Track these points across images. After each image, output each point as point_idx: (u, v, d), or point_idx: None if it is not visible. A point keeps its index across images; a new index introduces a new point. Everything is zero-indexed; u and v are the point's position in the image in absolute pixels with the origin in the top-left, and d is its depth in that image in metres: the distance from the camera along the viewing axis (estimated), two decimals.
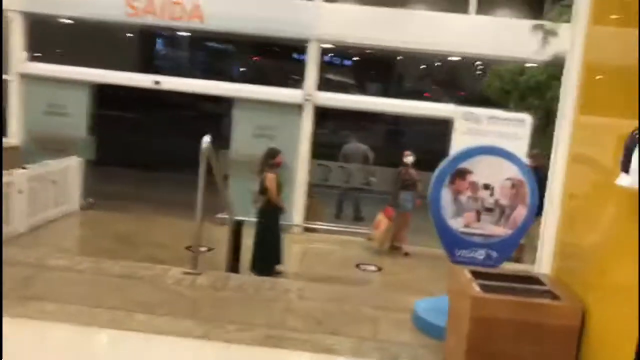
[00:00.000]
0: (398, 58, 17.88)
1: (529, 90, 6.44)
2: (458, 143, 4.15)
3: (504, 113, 5.21)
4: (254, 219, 8.22)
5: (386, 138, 17.66)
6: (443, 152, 14.01)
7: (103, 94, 11.98)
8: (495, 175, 4.00)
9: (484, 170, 4.00)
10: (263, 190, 8.07)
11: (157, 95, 11.79)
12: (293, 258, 9.37)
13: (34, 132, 11.38)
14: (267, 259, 8.08)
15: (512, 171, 4.00)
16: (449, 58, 12.25)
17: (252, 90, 11.48)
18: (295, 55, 20.69)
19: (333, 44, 11.96)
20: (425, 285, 8.36)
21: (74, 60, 11.86)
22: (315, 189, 11.73)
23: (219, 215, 9.52)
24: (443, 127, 11.42)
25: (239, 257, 7.38)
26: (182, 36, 18.46)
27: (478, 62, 11.69)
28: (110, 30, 14.26)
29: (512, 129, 4.63)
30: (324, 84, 11.55)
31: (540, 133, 5.15)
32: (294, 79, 19.51)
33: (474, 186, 4.00)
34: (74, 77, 11.33)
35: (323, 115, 14.01)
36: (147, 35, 19.30)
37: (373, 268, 9.16)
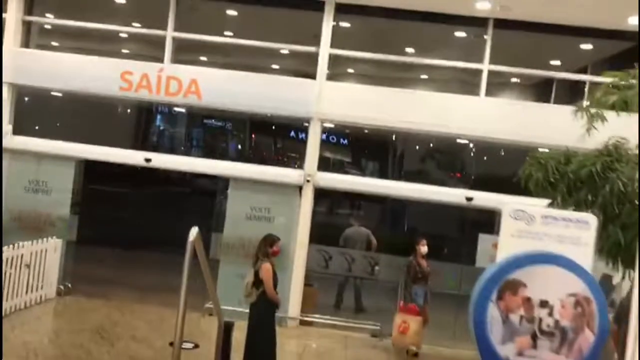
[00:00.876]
0: (397, 137, 17.34)
1: (579, 182, 5.63)
2: (505, 247, 3.39)
3: (562, 212, 4.44)
4: (245, 310, 7.36)
5: (389, 220, 16.83)
6: (454, 238, 13.20)
7: (91, 168, 11.38)
8: (554, 290, 3.18)
9: (540, 284, 3.18)
10: (257, 283, 7.20)
11: (149, 169, 11.20)
12: (289, 358, 8.38)
13: (14, 210, 10.63)
14: None
15: (575, 285, 3.18)
16: (458, 140, 11.63)
17: (250, 169, 10.85)
18: (292, 134, 20.38)
19: (336, 124, 11.40)
20: None
21: (63, 134, 11.26)
22: (312, 277, 10.87)
23: (208, 305, 8.73)
24: (454, 210, 10.67)
25: None
26: (178, 112, 18.02)
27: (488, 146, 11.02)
28: (104, 104, 13.82)
29: (574, 232, 3.86)
30: (322, 163, 10.93)
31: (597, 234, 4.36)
32: (292, 157, 19.06)
33: (528, 303, 3.18)
34: (60, 153, 10.71)
35: (321, 194, 13.28)
36: (142, 110, 18.92)
37: None
